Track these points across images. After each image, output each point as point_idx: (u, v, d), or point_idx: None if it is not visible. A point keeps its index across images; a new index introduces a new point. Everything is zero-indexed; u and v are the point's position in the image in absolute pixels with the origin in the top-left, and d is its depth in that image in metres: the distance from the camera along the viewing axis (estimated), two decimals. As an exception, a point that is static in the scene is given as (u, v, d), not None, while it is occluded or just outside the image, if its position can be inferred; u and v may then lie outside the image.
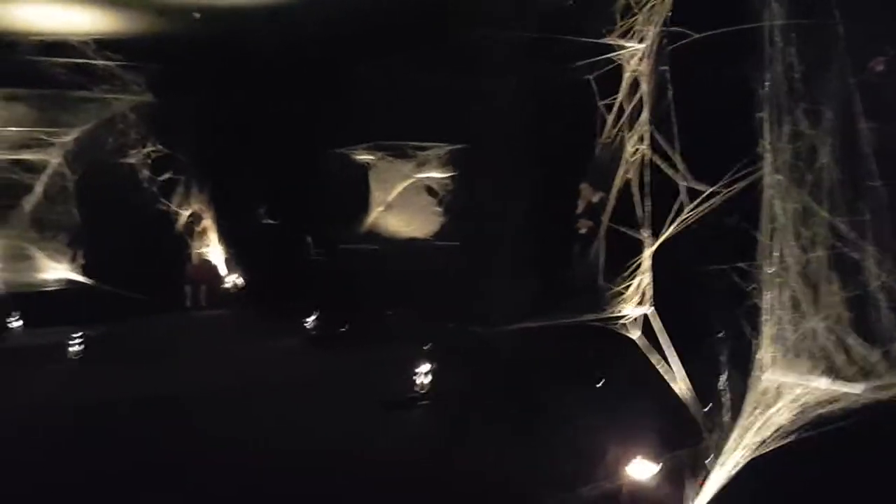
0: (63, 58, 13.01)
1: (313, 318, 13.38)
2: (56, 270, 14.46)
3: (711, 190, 8.10)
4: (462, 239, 13.56)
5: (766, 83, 7.09)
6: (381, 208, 15.29)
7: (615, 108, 9.31)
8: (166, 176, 15.27)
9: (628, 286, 8.90)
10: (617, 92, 9.27)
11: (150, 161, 14.94)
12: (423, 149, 14.71)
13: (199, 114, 15.05)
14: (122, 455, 8.15)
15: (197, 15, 11.63)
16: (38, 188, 14.56)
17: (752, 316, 6.92)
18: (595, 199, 10.30)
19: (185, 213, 15.84)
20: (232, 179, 15.68)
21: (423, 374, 9.57)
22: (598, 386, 9.19)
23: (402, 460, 8.01)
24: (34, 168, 14.58)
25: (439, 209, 14.79)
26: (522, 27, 10.41)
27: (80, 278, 14.56)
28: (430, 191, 15.05)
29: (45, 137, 14.33)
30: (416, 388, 9.50)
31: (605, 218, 9.52)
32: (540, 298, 10.23)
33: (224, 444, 8.38)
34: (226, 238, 16.12)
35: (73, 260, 14.66)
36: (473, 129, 12.63)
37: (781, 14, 7.16)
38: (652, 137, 8.75)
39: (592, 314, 8.91)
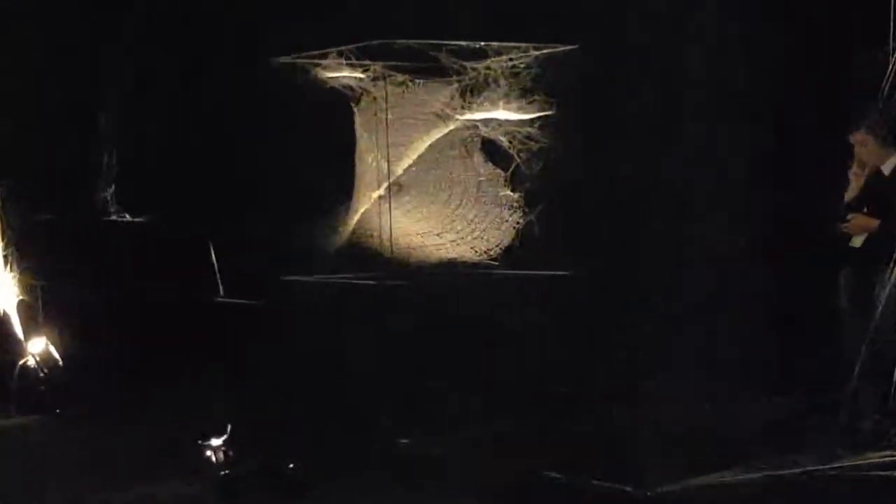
0: None
1: (222, 442, 6.95)
2: None
3: None
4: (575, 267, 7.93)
5: None
6: (378, 192, 8.60)
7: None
8: None
9: None
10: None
11: None
12: (479, 54, 8.05)
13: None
14: None
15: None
16: None
17: None
18: (889, 168, 6.83)
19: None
20: (42, 122, 9.22)
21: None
22: None
23: None
24: None
25: (515, 195, 8.32)
26: None
27: None
28: (493, 152, 8.45)
29: None
30: None
31: None
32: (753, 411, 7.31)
33: None
34: (23, 254, 9.19)
35: None
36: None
37: None
38: None
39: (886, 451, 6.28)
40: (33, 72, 8.81)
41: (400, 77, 8.19)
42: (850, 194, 6.90)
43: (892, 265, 6.37)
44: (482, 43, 7.77)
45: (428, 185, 8.50)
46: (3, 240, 8.76)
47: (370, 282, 8.05)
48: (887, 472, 6.23)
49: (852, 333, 6.72)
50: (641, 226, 7.48)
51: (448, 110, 8.21)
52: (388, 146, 8.32)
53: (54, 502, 6.30)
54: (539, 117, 7.96)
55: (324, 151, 8.55)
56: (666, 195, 7.47)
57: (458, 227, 8.30)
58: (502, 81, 7.99)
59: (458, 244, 8.33)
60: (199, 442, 6.71)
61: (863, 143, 6.81)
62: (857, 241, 6.74)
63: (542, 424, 7.12)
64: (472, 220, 8.26)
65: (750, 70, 7.29)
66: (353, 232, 8.55)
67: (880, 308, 6.45)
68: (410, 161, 8.40)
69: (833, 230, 6.77)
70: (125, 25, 8.72)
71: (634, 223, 7.55)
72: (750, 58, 7.30)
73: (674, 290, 7.55)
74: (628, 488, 6.08)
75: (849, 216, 6.78)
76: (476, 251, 8.25)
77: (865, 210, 6.77)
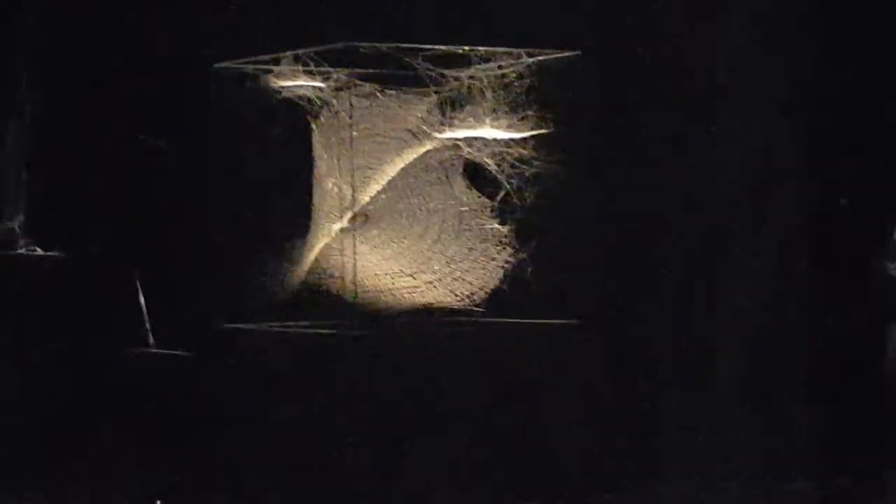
0: None
1: None
2: None
3: None
4: (583, 312, 6.87)
5: None
6: (338, 223, 7.58)
7: None
8: None
9: None
10: None
11: None
12: (460, 59, 7.23)
13: None
14: None
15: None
16: None
17: None
18: None
19: None
20: None
21: None
22: None
23: None
24: None
25: (503, 228, 7.31)
26: None
27: None
28: (477, 176, 7.45)
29: None
30: None
31: None
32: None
33: None
34: None
35: None
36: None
37: None
38: None
39: None
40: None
41: (367, 87, 7.14)
42: None
43: None
44: (465, 47, 6.81)
45: (400, 215, 7.39)
46: None
47: (329, 331, 7.00)
48: None
49: None
50: (658, 266, 6.44)
51: (424, 127, 7.18)
52: (352, 169, 7.28)
53: None
54: (533, 136, 6.94)
55: (275, 175, 7.40)
56: (686, 229, 6.40)
57: (436, 267, 7.20)
58: (489, 93, 6.97)
59: (435, 286, 7.22)
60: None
61: None
62: None
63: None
64: (451, 258, 7.17)
65: (791, 76, 6.28)
66: (310, 271, 7.42)
67: None
68: (379, 187, 7.36)
69: (885, 274, 5.93)
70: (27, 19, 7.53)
71: (647, 262, 6.51)
72: (796, 65, 6.27)
73: (689, 343, 6.47)
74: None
75: None
76: (457, 295, 7.17)
77: None
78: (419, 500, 6.12)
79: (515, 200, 6.91)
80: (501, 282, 6.89)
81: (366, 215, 7.33)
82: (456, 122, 7.05)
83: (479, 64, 6.85)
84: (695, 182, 6.44)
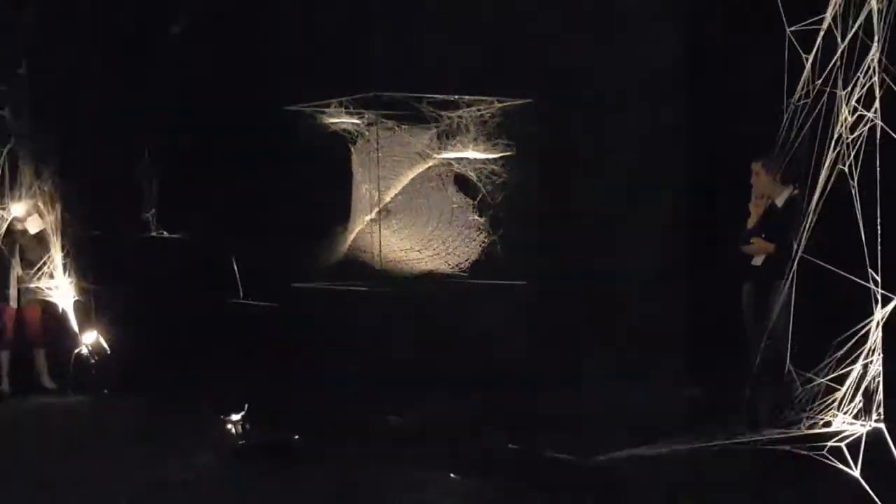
0: None
1: (240, 418, 7.80)
2: None
3: None
4: (529, 277, 8.98)
5: None
6: (369, 215, 9.55)
7: (819, 40, 6.46)
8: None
9: (842, 377, 6.34)
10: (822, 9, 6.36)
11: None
12: (452, 105, 9.07)
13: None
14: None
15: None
16: None
17: None
18: (780, 200, 7.76)
19: (5, 216, 9.96)
20: (98, 158, 10.41)
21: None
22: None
23: None
24: None
25: (480, 219, 9.27)
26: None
27: None
28: (463, 184, 9.46)
29: None
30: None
31: (800, 242, 6.63)
32: (675, 396, 8.40)
33: None
34: (80, 263, 10.28)
35: None
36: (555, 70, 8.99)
37: None
38: (889, 94, 6.05)
39: (773, 429, 6.65)
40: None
41: (389, 123, 9.21)
42: (751, 222, 7.75)
43: (784, 281, 6.89)
44: (456, 97, 8.85)
45: (411, 210, 9.54)
46: (63, 252, 9.97)
47: (363, 288, 9.12)
48: (778, 447, 6.63)
49: (753, 334, 7.53)
50: (580, 246, 8.79)
51: (427, 150, 9.24)
52: (378, 178, 9.33)
53: (99, 468, 7.15)
54: (501, 157, 9.01)
55: (327, 182, 9.67)
56: (599, 222, 8.78)
57: (435, 246, 9.42)
58: (472, 128, 9.02)
59: (434, 259, 9.43)
60: (222, 417, 7.67)
61: (758, 173, 7.61)
62: (758, 261, 7.64)
63: (503, 404, 8.25)
64: (446, 240, 9.36)
65: (676, 114, 8.59)
66: (350, 248, 9.60)
67: (774, 315, 7.17)
68: (397, 191, 9.45)
69: (739, 251, 7.79)
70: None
71: (575, 244, 8.83)
72: (676, 103, 8.59)
73: (605, 297, 8.80)
74: (573, 457, 7.02)
75: (751, 240, 7.66)
76: (449, 265, 9.35)
77: (763, 236, 7.61)
78: (420, 394, 8.47)
79: (489, 200, 8.95)
80: (479, 256, 9.01)
81: (388, 210, 9.42)
82: (449, 147, 9.03)
83: (465, 107, 8.81)
84: (606, 187, 8.71)
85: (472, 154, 9.22)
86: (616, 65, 8.72)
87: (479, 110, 9.09)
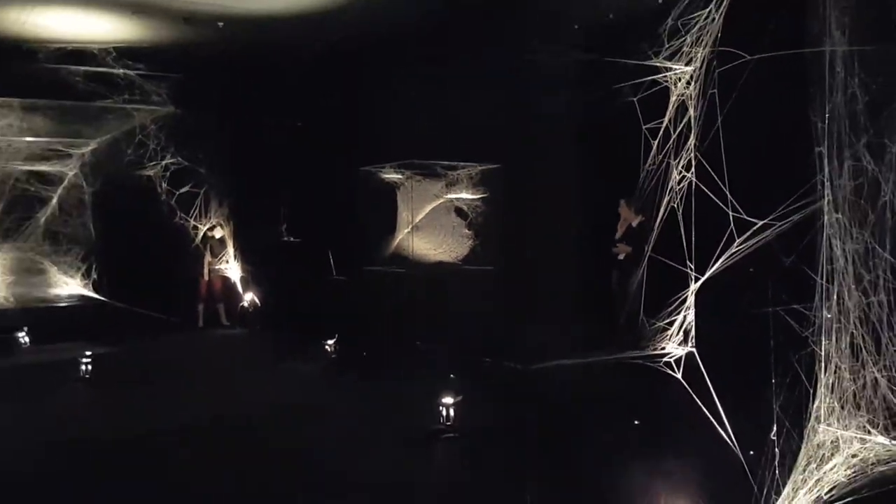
0: (83, 66, 12.17)
1: (333, 342, 12.27)
2: (68, 285, 13.77)
3: (762, 223, 7.49)
4: (495, 265, 13.26)
5: (826, 114, 6.50)
6: (406, 229, 14.73)
7: (661, 133, 8.91)
8: (185, 189, 14.47)
9: (671, 322, 8.48)
10: (663, 115, 8.88)
11: (168, 173, 14.05)
12: (454, 168, 14.07)
13: (220, 126, 14.22)
14: (127, 487, 7.29)
15: (220, 24, 11.01)
16: (54, 200, 13.92)
17: (808, 363, 6.37)
18: (635, 223, 10.75)
19: (203, 228, 14.82)
20: (253, 194, 14.94)
21: (449, 406, 8.40)
22: (636, 423, 8.48)
23: (424, 493, 7.24)
24: (51, 180, 13.97)
25: (469, 232, 14.28)
26: (567, 46, 10.18)
27: (93, 294, 13.99)
28: (460, 212, 14.52)
29: (62, 149, 13.64)
30: (443, 421, 8.38)
31: (648, 247, 9.30)
32: (579, 333, 10.55)
33: (238, 473, 7.55)
34: (244, 255, 15.00)
35: (86, 275, 13.91)
36: (510, 148, 12.58)
37: (843, 42, 6.57)
38: (699, 165, 8.25)
39: (633, 351, 8.73)
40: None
41: (418, 177, 14.08)
42: (619, 234, 11.02)
43: (638, 269, 9.65)
44: (455, 162, 13.63)
45: (431, 227, 14.28)
46: (235, 251, 14.87)
47: (402, 271, 13.89)
48: (639, 361, 8.55)
49: (618, 299, 10.63)
50: (525, 247, 13.03)
51: (439, 192, 14.09)
52: (412, 209, 14.22)
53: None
54: (481, 197, 13.68)
55: (383, 210, 14.47)
56: (537, 233, 12.97)
57: (444, 247, 14.20)
58: (465, 180, 13.88)
59: (444, 255, 14.11)
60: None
61: (623, 207, 10.68)
62: (621, 257, 10.90)
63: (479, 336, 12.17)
64: (450, 244, 14.14)
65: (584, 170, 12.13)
66: (395, 247, 14.42)
67: (632, 290, 10.07)
68: (422, 216, 14.31)
69: (611, 251, 11.10)
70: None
71: (522, 246, 13.18)
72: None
73: (541, 278, 12.91)
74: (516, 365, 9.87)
75: (617, 244, 10.97)
76: (452, 258, 14.00)
77: (625, 242, 10.84)
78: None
79: (475, 222, 13.74)
80: (468, 253, 13.80)
81: (417, 227, 14.36)
82: (452, 191, 13.88)
83: (461, 169, 13.72)
84: (542, 213, 12.39)
85: (465, 195, 13.88)
86: (530, 142, 12.52)
87: (468, 170, 13.85)
